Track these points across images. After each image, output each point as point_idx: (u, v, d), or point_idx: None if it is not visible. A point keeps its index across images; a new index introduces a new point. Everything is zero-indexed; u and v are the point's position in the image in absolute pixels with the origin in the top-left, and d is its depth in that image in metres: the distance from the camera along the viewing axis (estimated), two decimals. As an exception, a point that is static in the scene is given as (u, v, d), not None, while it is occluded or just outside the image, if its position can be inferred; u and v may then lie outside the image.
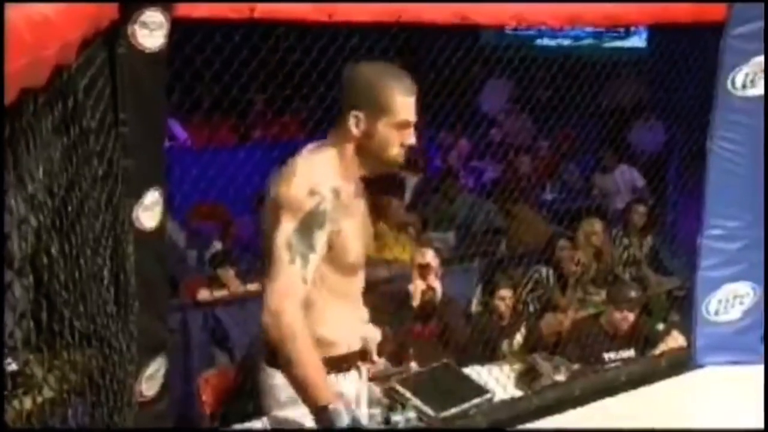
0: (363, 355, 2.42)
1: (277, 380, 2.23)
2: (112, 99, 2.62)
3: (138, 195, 2.75)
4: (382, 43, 3.55)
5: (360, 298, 2.40)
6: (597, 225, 5.59)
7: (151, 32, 2.65)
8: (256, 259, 6.15)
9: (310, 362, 2.08)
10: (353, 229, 2.24)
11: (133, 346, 2.70)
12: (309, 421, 2.14)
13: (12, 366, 1.91)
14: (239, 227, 6.98)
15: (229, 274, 5.07)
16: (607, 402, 4.26)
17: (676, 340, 4.70)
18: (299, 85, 4.23)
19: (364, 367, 2.45)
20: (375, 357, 2.49)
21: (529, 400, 4.19)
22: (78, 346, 2.13)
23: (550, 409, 4.13)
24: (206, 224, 6.65)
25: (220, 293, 4.99)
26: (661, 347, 4.65)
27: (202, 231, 6.45)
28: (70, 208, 2.02)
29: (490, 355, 4.55)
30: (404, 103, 2.22)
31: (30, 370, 1.98)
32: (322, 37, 3.70)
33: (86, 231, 2.15)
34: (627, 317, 4.53)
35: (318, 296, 2.20)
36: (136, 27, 2.63)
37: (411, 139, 2.25)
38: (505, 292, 4.71)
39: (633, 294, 4.64)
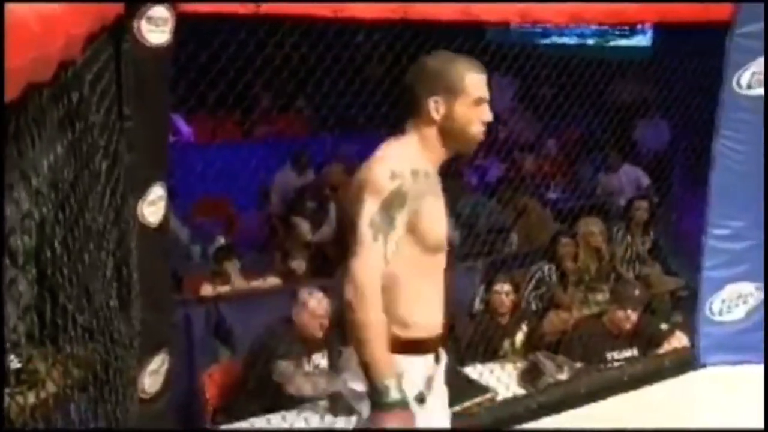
0: (443, 339, 2.47)
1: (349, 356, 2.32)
2: (117, 94, 2.62)
3: (142, 190, 2.75)
4: (388, 39, 3.55)
5: (442, 280, 2.45)
6: (595, 226, 5.57)
7: (156, 28, 2.66)
8: (260, 254, 6.17)
9: (374, 334, 2.18)
10: (435, 210, 2.33)
11: (136, 341, 2.71)
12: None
13: (15, 363, 1.91)
14: (243, 222, 6.99)
15: (236, 266, 5.09)
16: (610, 401, 4.27)
17: (679, 339, 4.69)
18: (304, 82, 4.23)
19: (443, 353, 2.48)
20: None
21: (532, 399, 4.19)
22: (81, 341, 2.13)
23: (553, 408, 4.13)
24: (210, 219, 6.65)
25: (223, 288, 4.99)
26: (665, 347, 4.64)
27: (205, 226, 6.45)
28: (74, 203, 2.02)
29: (492, 353, 4.55)
30: (475, 80, 2.35)
31: (33, 365, 1.99)
32: (327, 34, 3.70)
33: (90, 226, 2.15)
34: (630, 316, 4.52)
35: (400, 274, 2.28)
36: (142, 22, 2.63)
37: (488, 115, 2.37)
38: (505, 286, 4.69)
39: (636, 293, 4.63)
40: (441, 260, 2.40)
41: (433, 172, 2.37)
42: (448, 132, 2.35)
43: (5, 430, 1.79)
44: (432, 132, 2.35)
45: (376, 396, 2.17)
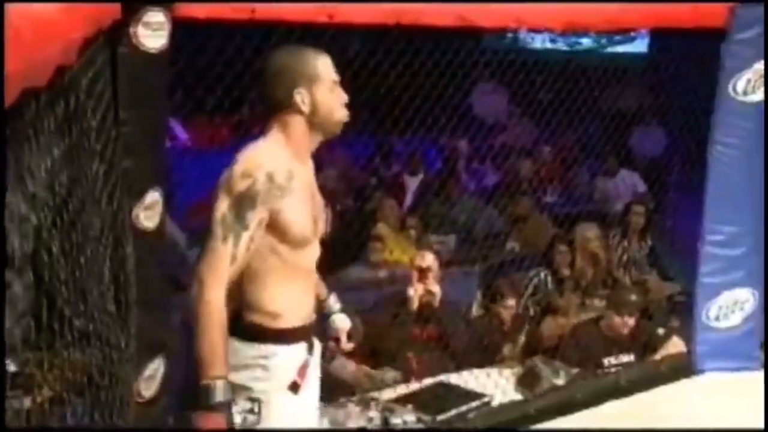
0: (313, 329, 2.51)
1: (236, 347, 2.33)
2: (113, 99, 2.62)
3: (138, 195, 2.75)
4: (385, 44, 3.55)
5: (313, 272, 2.51)
6: (591, 231, 5.57)
7: (153, 32, 2.66)
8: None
9: (208, 335, 2.22)
10: (297, 207, 2.35)
11: (133, 345, 2.70)
12: (252, 385, 2.31)
13: (11, 368, 1.91)
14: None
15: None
16: (607, 406, 4.26)
17: (676, 345, 4.69)
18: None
19: (317, 343, 2.53)
20: (344, 343, 2.68)
21: (529, 404, 4.19)
22: (77, 346, 2.13)
23: (550, 413, 4.13)
24: (206, 223, 6.63)
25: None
26: (661, 352, 4.64)
27: (202, 231, 6.43)
28: (70, 208, 2.03)
29: (490, 359, 4.55)
30: (326, 64, 2.40)
31: (29, 369, 1.98)
32: (323, 39, 3.70)
33: (86, 230, 2.15)
34: (627, 322, 4.53)
35: (265, 267, 2.33)
36: (138, 27, 2.63)
37: (344, 96, 2.42)
38: (511, 301, 4.72)
39: (633, 298, 4.64)
40: (309, 253, 2.45)
41: (299, 168, 2.39)
42: (316, 121, 2.38)
43: (5, 430, 1.80)
44: (299, 124, 2.37)
45: (202, 395, 2.20)
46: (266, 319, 2.35)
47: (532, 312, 5.12)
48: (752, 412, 3.99)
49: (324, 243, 2.54)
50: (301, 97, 2.34)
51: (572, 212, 6.28)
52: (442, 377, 4.27)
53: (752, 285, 4.55)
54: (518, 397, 4.25)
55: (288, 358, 2.37)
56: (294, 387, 2.37)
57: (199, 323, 2.22)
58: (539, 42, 10.44)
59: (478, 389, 4.16)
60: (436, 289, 4.41)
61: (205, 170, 4.97)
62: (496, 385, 4.25)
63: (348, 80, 4.06)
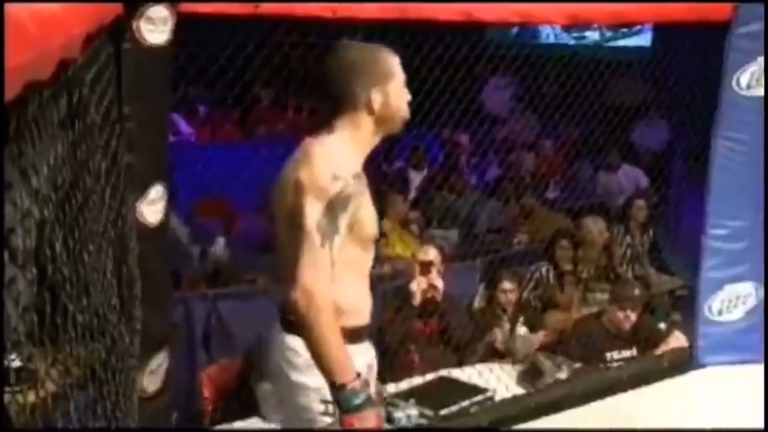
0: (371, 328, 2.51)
1: (295, 345, 2.32)
2: (116, 94, 2.62)
3: (142, 190, 2.76)
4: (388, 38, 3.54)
5: (368, 274, 2.49)
6: (601, 223, 5.60)
7: (156, 27, 2.66)
8: (259, 255, 6.17)
9: (334, 342, 2.20)
10: (369, 207, 2.35)
11: (137, 340, 2.71)
12: (325, 391, 2.25)
13: (15, 362, 1.91)
14: (243, 223, 6.99)
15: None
16: (609, 401, 4.27)
17: (678, 339, 4.70)
18: (304, 81, 4.23)
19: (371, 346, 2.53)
20: None
21: (531, 399, 4.19)
22: (81, 340, 2.13)
23: (552, 408, 4.13)
24: (210, 219, 6.65)
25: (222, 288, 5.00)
26: (663, 347, 4.65)
27: (205, 226, 6.45)
28: (74, 202, 2.03)
29: (492, 349, 4.55)
30: (398, 63, 2.40)
31: (33, 364, 1.99)
32: (326, 33, 3.70)
33: (90, 225, 2.15)
34: (629, 316, 4.53)
35: (338, 267, 2.28)
36: (141, 22, 2.63)
37: (408, 94, 2.42)
38: (511, 284, 4.71)
39: (636, 292, 4.64)
40: (371, 253, 2.46)
41: (361, 169, 2.37)
42: (384, 119, 2.37)
43: (5, 429, 1.80)
44: (368, 123, 2.36)
45: (343, 401, 2.18)
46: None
47: (533, 304, 5.13)
48: (754, 406, 3.99)
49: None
50: (376, 95, 2.32)
51: (574, 206, 6.27)
52: (445, 372, 4.28)
53: (754, 279, 4.55)
54: (521, 391, 4.26)
55: (356, 357, 2.34)
56: (365, 385, 2.32)
57: (318, 332, 2.19)
58: (543, 36, 10.42)
59: (481, 384, 4.17)
60: (439, 283, 4.42)
61: (209, 165, 5.01)
62: (498, 379, 4.25)
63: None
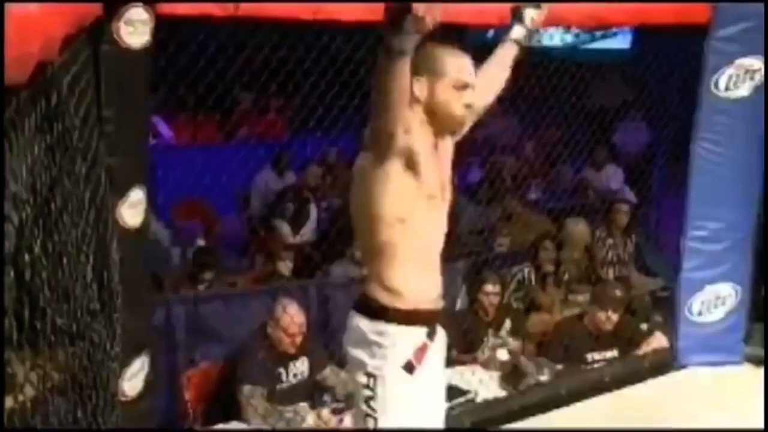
0: (438, 317, 2.49)
1: (358, 323, 2.39)
2: (95, 96, 2.60)
3: (122, 193, 2.74)
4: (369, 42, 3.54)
5: (438, 260, 2.49)
6: (583, 225, 5.61)
7: (134, 30, 2.64)
8: (239, 257, 6.16)
9: None
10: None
11: (117, 344, 2.69)
12: (367, 361, 2.35)
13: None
14: (223, 225, 6.97)
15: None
16: (591, 402, 4.28)
17: (659, 340, 4.72)
18: (284, 84, 4.22)
19: (442, 332, 2.52)
20: None
21: (514, 400, 4.20)
22: (60, 344, 2.11)
23: (534, 409, 4.14)
24: (190, 222, 6.63)
25: (203, 289, 4.97)
26: (644, 348, 4.67)
27: (185, 229, 6.43)
28: (53, 206, 2.01)
29: (475, 351, 4.55)
30: (458, 63, 2.39)
31: (11, 368, 1.97)
32: (306, 36, 3.70)
33: (70, 229, 2.14)
34: (611, 317, 4.55)
35: (393, 242, 2.34)
36: (121, 24, 2.61)
37: (470, 98, 2.40)
38: (496, 287, 4.71)
39: (617, 294, 4.65)
40: (433, 235, 2.46)
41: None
42: (433, 113, 2.38)
43: (4, 430, 1.79)
44: (418, 111, 2.37)
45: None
46: (388, 297, 2.36)
47: (515, 307, 5.13)
48: (734, 406, 4.01)
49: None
50: (419, 84, 2.34)
51: (555, 208, 6.28)
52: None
53: (734, 280, 4.58)
54: (502, 393, 4.26)
55: (404, 338, 2.36)
56: (409, 367, 2.35)
57: None
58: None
59: (463, 385, 4.17)
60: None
61: (189, 167, 4.99)
62: (480, 381, 4.26)
63: (331, 77, 4.08)
